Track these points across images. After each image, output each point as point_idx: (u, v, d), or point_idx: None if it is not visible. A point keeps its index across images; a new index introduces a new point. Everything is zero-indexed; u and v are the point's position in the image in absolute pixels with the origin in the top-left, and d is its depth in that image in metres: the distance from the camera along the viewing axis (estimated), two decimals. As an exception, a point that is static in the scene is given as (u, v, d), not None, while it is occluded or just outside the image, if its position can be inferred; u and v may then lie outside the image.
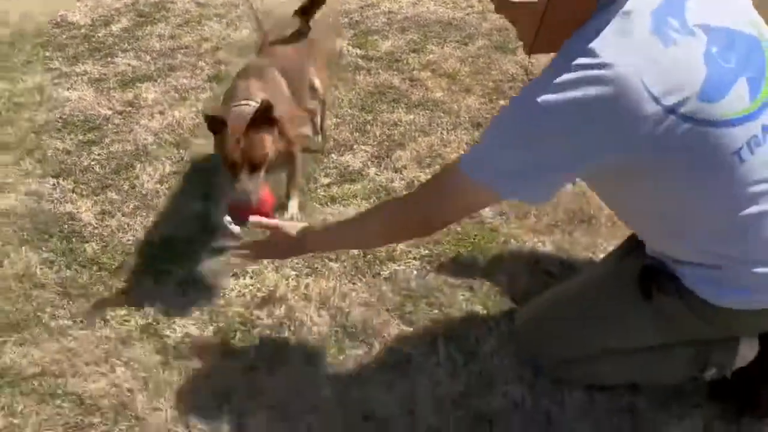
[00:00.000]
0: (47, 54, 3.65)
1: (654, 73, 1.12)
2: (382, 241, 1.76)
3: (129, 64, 3.52)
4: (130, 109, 3.06)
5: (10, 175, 2.61)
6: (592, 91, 1.12)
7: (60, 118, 2.98)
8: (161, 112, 3.02)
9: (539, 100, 1.16)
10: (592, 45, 1.13)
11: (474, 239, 2.19)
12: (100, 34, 3.93)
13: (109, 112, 3.04)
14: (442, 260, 2.11)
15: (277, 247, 1.68)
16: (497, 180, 1.25)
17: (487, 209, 2.24)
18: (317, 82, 2.52)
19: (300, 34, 2.47)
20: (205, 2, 4.47)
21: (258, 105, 1.81)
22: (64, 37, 3.90)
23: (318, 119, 2.67)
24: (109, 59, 3.59)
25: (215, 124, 1.83)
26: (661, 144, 1.15)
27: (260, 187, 1.79)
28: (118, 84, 3.30)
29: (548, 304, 1.69)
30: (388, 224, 1.50)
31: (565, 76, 1.14)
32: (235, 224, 1.93)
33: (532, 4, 1.23)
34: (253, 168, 1.79)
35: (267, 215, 1.72)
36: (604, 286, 1.56)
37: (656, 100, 1.11)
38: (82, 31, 3.99)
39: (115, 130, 2.90)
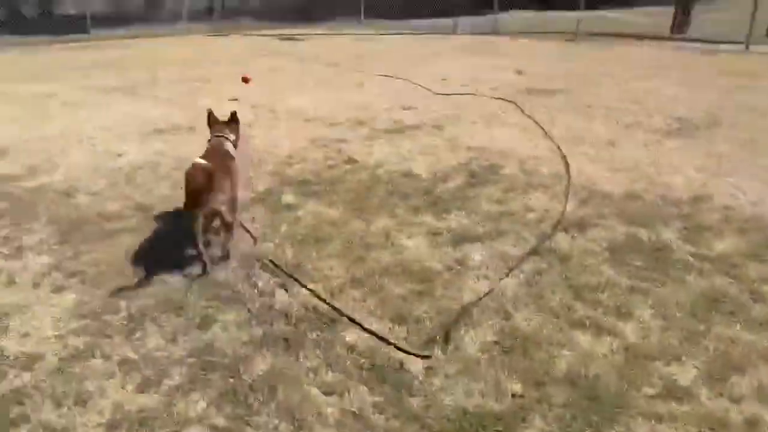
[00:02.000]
0: (394, 201, 4.24)
1: None
2: None
3: (460, 222, 3.89)
4: (459, 267, 3.35)
5: (357, 310, 3.00)
6: None
7: (399, 264, 3.39)
8: (486, 277, 3.24)
9: None
10: None
11: None
12: (438, 189, 4.45)
13: (440, 266, 3.36)
14: None
15: None
16: None
17: None
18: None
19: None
20: (532, 170, 4.82)
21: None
22: (409, 187, 4.50)
23: None
24: (443, 214, 4.02)
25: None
26: None
27: None
28: (450, 240, 3.65)
29: None
30: None
31: None
32: None
33: None
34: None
35: None
36: None
37: None
38: (424, 184, 4.58)
39: (444, 285, 3.18)
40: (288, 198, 4.32)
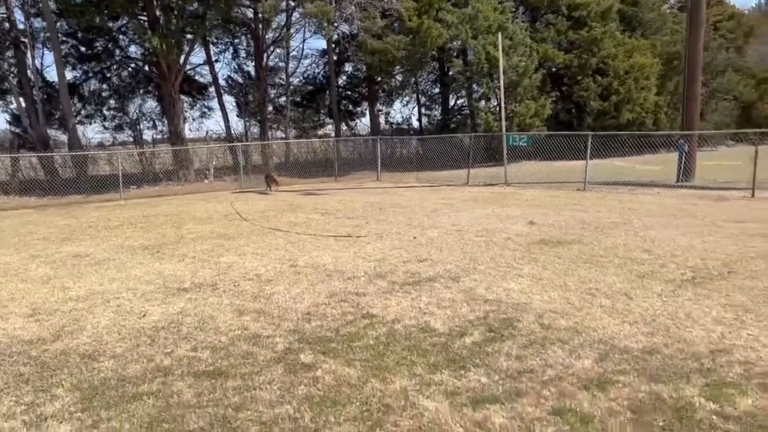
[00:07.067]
0: (413, 359, 4.26)
1: None
2: None
3: (479, 381, 3.88)
4: (479, 431, 3.30)
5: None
6: None
7: (418, 428, 3.35)
8: (508, 441, 3.18)
9: None
10: None
11: None
12: (455, 345, 4.48)
13: (461, 430, 3.31)
14: None
15: None
16: None
17: None
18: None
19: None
20: (549, 324, 4.85)
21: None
22: (427, 343, 4.54)
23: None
24: (462, 372, 4.02)
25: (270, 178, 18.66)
26: None
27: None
28: (469, 401, 3.62)
29: None
30: None
31: None
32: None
33: None
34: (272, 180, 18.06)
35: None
36: None
37: None
38: (442, 339, 4.61)
39: (465, 451, 3.12)
40: (306, 357, 4.37)
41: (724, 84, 34.29)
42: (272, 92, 30.87)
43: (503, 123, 17.84)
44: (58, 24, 22.95)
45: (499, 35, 18.66)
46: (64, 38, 24.68)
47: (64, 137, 25.04)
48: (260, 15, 24.50)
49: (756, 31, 37.49)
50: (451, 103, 32.84)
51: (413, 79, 32.41)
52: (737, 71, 35.52)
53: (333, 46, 28.69)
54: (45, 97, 24.12)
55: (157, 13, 21.13)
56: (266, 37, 26.35)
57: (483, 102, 27.14)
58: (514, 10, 26.87)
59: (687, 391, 3.60)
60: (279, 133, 30.39)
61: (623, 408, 3.44)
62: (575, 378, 3.85)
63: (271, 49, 27.30)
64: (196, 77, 29.82)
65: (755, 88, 35.79)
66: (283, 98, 30.47)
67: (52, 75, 24.77)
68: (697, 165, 16.07)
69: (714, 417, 3.30)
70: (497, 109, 25.47)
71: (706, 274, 6.18)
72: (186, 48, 22.27)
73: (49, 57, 24.43)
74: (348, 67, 33.31)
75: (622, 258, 7.03)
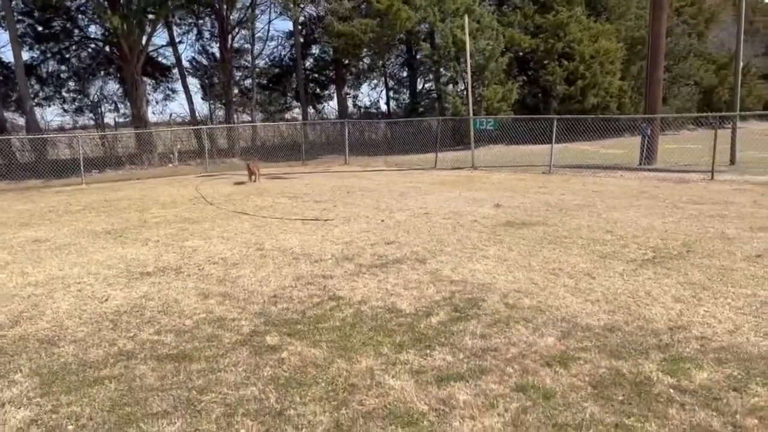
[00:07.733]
0: (379, 339, 4.27)
1: None
2: None
3: (444, 359, 3.91)
4: (444, 408, 3.33)
5: (340, 457, 2.95)
6: None
7: (384, 406, 3.36)
8: (472, 417, 3.22)
9: None
10: None
11: None
12: (421, 325, 4.50)
13: (425, 407, 3.34)
14: None
15: None
16: None
17: None
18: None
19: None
20: (514, 304, 4.91)
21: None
22: (393, 323, 4.55)
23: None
24: (427, 351, 4.05)
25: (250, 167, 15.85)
26: None
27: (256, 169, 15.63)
28: (434, 379, 3.65)
29: None
30: None
31: None
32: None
33: None
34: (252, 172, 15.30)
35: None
36: None
37: None
38: (408, 319, 4.63)
39: (430, 428, 3.15)
40: (272, 339, 4.34)
41: (686, 69, 34.90)
42: (238, 74, 30.39)
43: (470, 107, 17.90)
44: (14, 2, 22.14)
45: (466, 18, 18.66)
46: (20, 17, 23.83)
47: (21, 120, 24.28)
48: (225, -5, 24.01)
49: (716, 17, 38.19)
50: (419, 86, 32.77)
51: (381, 63, 32.22)
52: (698, 57, 36.19)
53: (299, 28, 28.32)
54: (1, 78, 23.30)
55: (118, -9, 20.54)
56: (231, 17, 25.86)
57: (451, 86, 27.16)
58: (481, -7, 26.86)
59: (646, 367, 3.69)
60: (245, 117, 29.98)
61: (584, 383, 3.51)
62: (538, 355, 3.91)
63: (236, 30, 26.84)
64: (159, 59, 29.18)
65: (715, 74, 36.52)
66: (249, 81, 30.03)
67: (7, 55, 24.00)
68: (660, 148, 16.39)
69: (671, 390, 3.39)
70: (465, 93, 25.54)
71: (666, 254, 6.32)
72: (148, 29, 21.71)
73: (4, 36, 23.76)
74: (315, 50, 32.95)
75: (585, 239, 7.15)
